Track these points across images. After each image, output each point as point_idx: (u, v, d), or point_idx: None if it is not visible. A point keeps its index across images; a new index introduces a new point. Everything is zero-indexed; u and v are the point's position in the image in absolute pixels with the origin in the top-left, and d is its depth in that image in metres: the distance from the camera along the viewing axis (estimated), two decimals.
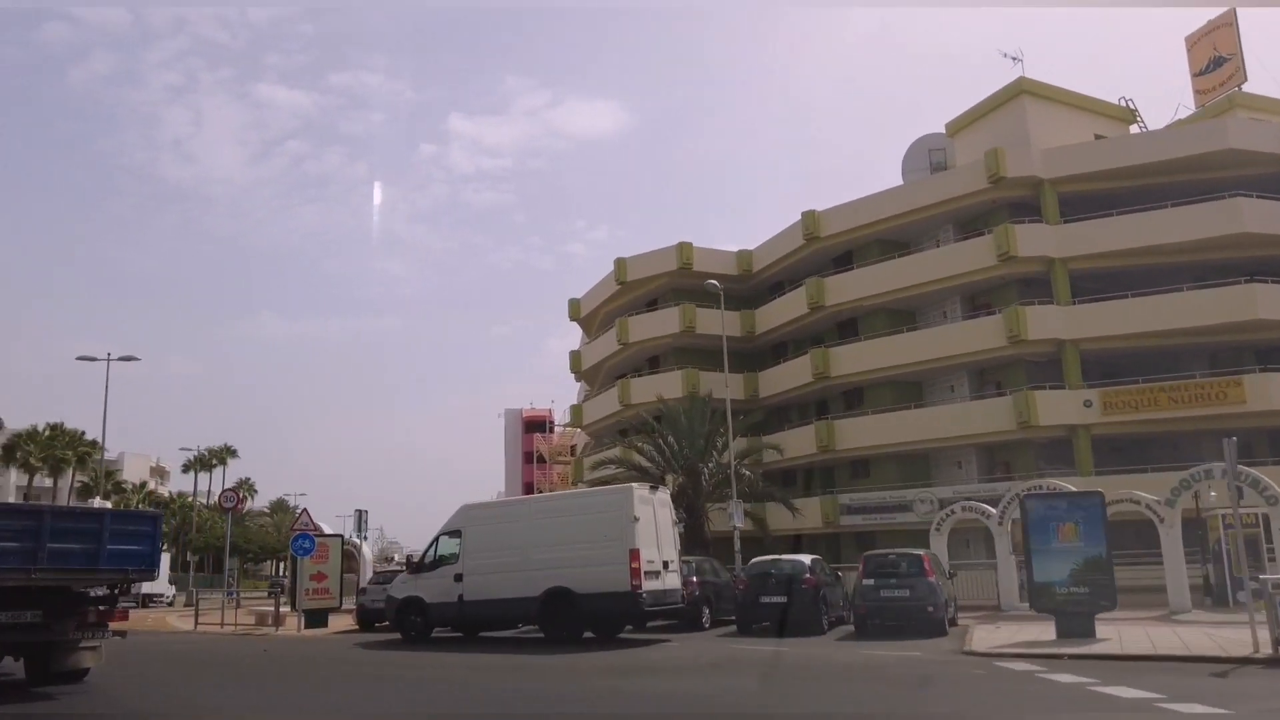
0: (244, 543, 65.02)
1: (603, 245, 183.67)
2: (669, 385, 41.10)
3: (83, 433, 58.82)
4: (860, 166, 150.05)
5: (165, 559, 50.13)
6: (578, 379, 65.20)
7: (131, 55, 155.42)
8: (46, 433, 56.20)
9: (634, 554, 16.55)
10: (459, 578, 18.43)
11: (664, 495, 18.60)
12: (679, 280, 42.58)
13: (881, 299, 37.21)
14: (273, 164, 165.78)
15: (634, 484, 18.47)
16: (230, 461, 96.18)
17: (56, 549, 10.71)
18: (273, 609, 24.82)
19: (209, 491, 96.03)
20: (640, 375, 43.66)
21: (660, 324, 42.23)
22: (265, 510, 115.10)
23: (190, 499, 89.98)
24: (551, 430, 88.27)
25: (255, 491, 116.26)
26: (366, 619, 23.82)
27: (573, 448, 72.51)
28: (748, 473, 29.66)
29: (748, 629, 18.92)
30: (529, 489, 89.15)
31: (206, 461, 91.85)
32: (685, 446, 29.44)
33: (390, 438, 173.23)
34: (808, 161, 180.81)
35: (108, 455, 72.83)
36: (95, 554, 11.11)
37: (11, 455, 54.89)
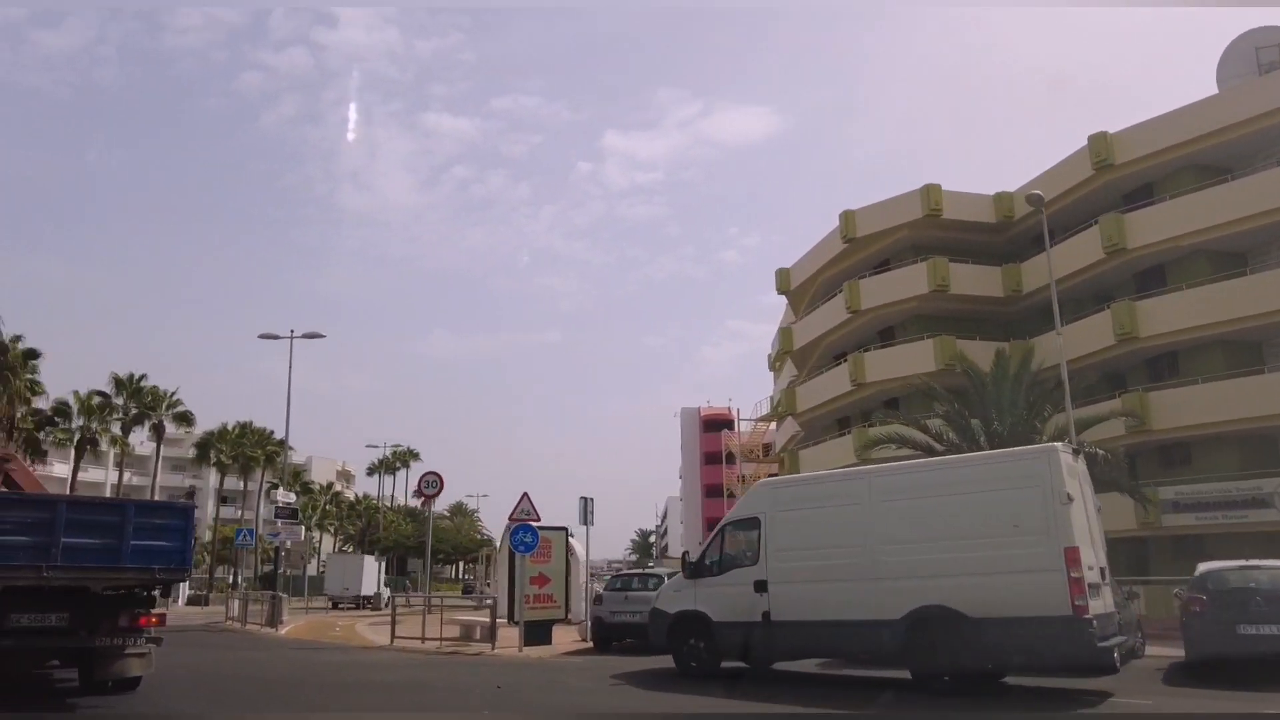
0: (436, 542, 62.76)
1: (756, 251, 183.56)
2: (911, 359, 34.40)
3: (270, 431, 58.03)
4: (1051, 153, 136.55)
5: (375, 563, 49.69)
6: (772, 367, 59.19)
7: (313, 96, 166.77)
8: (236, 431, 55.57)
9: (1072, 555, 10.26)
10: (761, 587, 12.65)
11: (1084, 466, 12.16)
12: (922, 233, 35.69)
13: (1201, 238, 29.09)
14: (440, 189, 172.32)
15: (1056, 444, 12.16)
16: (412, 464, 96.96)
17: (72, 544, 9.75)
18: (487, 620, 19.90)
19: (392, 495, 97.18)
20: (869, 350, 36.94)
21: (902, 285, 35.38)
22: (445, 514, 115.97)
23: (375, 501, 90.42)
24: (734, 428, 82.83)
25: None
26: (604, 635, 18.52)
27: (766, 446, 66.31)
28: (1101, 452, 22.36)
29: (1206, 674, 12.21)
30: (713, 491, 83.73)
31: (390, 464, 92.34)
32: (996, 422, 22.58)
33: (553, 448, 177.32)
34: (980, 152, 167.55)
35: (296, 458, 72.77)
36: (117, 550, 10.12)
37: (205, 454, 54.47)
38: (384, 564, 48.72)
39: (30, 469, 16.62)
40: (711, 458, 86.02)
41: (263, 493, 60.63)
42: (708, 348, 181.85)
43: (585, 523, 20.75)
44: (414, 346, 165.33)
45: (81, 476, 47.95)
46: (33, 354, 37.88)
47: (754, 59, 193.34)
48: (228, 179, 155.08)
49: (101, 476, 76.34)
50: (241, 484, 61.65)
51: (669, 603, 13.83)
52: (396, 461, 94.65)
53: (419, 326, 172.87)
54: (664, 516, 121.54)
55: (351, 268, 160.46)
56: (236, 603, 32.20)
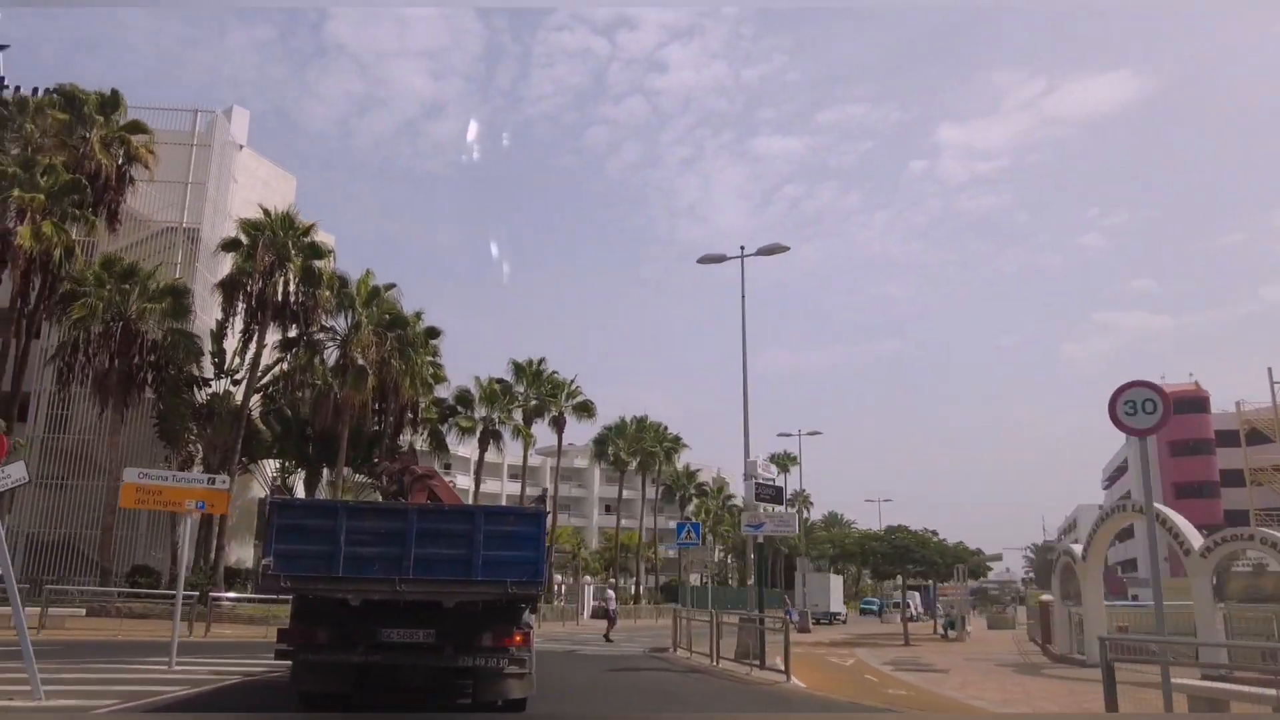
0: (920, 548, 54.54)
1: (1123, 232, 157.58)
2: None
3: (665, 426, 52.29)
4: None
5: (837, 580, 43.46)
6: None
7: (651, 140, 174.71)
8: (633, 425, 50.34)
9: None
10: None
11: None
12: None
13: None
14: (772, 210, 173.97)
15: None
16: (790, 469, 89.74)
17: (423, 555, 9.07)
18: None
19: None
20: None
21: None
22: (819, 523, 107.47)
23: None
24: (1206, 408, 65.41)
25: (811, 504, 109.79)
26: None
27: None
28: None
29: None
30: (1186, 490, 65.63)
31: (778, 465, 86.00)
32: None
33: (914, 458, 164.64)
34: None
35: (678, 462, 67.33)
36: (468, 562, 9.14)
37: (603, 449, 49.80)
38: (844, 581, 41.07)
39: (450, 484, 14.00)
40: (1180, 447, 68.04)
41: (659, 491, 55.58)
42: (1070, 344, 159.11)
43: None
44: (753, 365, 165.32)
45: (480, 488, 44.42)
46: (433, 333, 33.65)
47: (1098, 22, 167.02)
48: (581, 225, 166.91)
49: (497, 488, 76.02)
50: (640, 483, 56.91)
51: None
52: (774, 464, 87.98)
53: (757, 345, 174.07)
54: (1070, 528, 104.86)
55: (693, 296, 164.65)
56: (685, 624, 23.95)
